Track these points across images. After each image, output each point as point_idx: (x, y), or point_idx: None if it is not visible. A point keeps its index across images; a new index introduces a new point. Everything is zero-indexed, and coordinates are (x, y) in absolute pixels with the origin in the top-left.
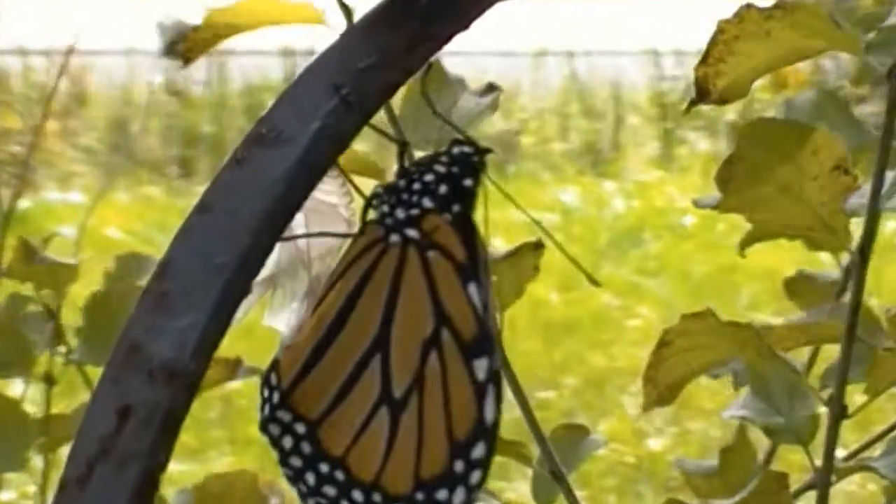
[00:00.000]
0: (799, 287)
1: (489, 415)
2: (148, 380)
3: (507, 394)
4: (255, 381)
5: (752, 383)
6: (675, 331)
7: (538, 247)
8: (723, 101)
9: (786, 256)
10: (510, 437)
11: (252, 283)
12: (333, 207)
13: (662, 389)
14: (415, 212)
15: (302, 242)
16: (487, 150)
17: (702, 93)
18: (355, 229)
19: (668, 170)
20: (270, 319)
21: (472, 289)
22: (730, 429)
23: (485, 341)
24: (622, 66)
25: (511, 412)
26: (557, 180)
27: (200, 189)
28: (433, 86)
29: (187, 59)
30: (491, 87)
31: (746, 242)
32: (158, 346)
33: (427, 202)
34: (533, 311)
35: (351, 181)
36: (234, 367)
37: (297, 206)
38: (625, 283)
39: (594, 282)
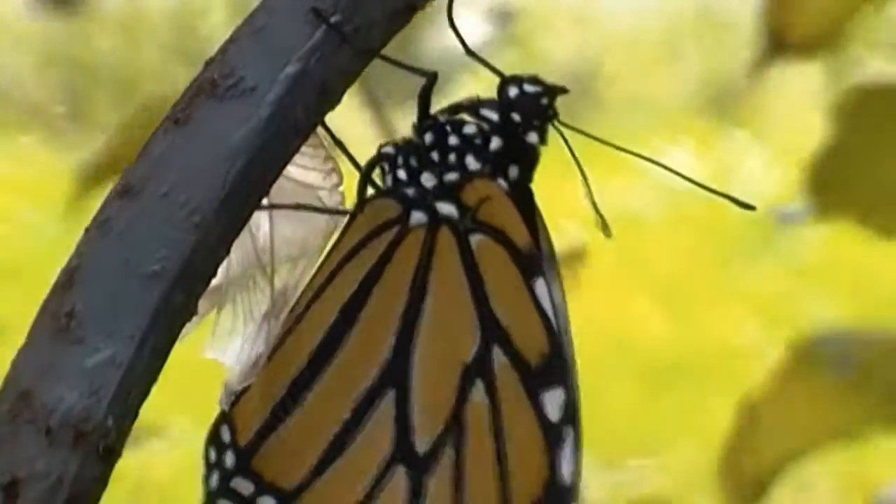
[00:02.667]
0: None
1: (566, 471)
2: (45, 442)
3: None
4: (186, 441)
5: None
6: (768, 393)
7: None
8: None
9: None
10: None
11: (198, 300)
12: (312, 191)
13: (746, 483)
14: (452, 177)
15: (263, 240)
16: (560, 90)
17: None
18: (337, 221)
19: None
20: (213, 350)
21: (541, 288)
22: None
23: (560, 365)
24: None
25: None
26: (660, 133)
27: (100, 137)
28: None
29: None
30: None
31: None
32: (59, 393)
33: (472, 162)
34: (622, 340)
35: (345, 150)
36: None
37: (263, 188)
38: (764, 292)
39: (605, 230)
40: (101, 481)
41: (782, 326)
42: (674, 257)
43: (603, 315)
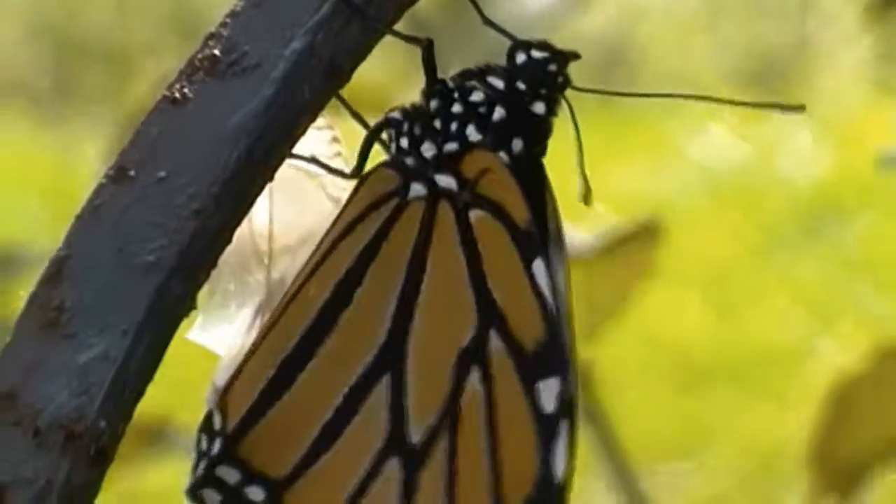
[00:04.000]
0: None
1: (558, 467)
2: (32, 445)
3: (608, 469)
4: (187, 443)
5: None
6: (860, 379)
7: (653, 229)
8: None
9: None
10: None
11: (198, 293)
12: (315, 177)
13: (836, 472)
14: (452, 147)
15: (260, 226)
16: (571, 55)
17: None
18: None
19: (890, 91)
20: (200, 334)
21: (540, 269)
22: None
23: (556, 352)
24: None
25: (611, 499)
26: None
27: (89, 113)
28: None
29: None
30: None
31: None
32: (48, 392)
33: (473, 133)
34: (656, 334)
35: (360, 118)
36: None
37: (267, 173)
38: (810, 284)
39: (588, 199)
40: (93, 487)
41: (827, 320)
42: (713, 245)
43: (635, 308)
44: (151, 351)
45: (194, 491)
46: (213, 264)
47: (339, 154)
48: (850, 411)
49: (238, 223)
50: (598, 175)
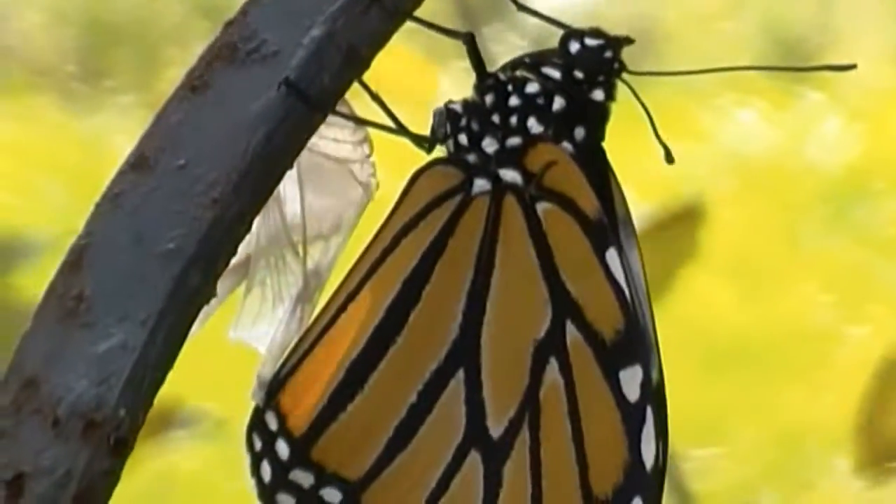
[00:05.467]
0: None
1: (649, 454)
2: (51, 434)
3: None
4: (215, 431)
5: None
6: None
7: (695, 214)
8: None
9: None
10: None
11: (217, 281)
12: (343, 164)
13: (884, 444)
14: (515, 141)
15: (293, 215)
16: (626, 41)
17: None
18: (371, 194)
19: None
20: (239, 332)
21: (613, 259)
22: None
23: (637, 341)
24: None
25: None
26: (726, 95)
27: (117, 100)
28: None
29: None
30: None
31: None
32: (68, 381)
33: (534, 125)
34: (686, 319)
35: (386, 108)
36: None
37: (287, 161)
38: (840, 267)
39: (669, 157)
40: (113, 475)
41: (857, 303)
42: (742, 230)
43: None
44: (170, 340)
45: (268, 496)
46: (233, 252)
47: (368, 157)
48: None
49: (257, 211)
50: (629, 162)
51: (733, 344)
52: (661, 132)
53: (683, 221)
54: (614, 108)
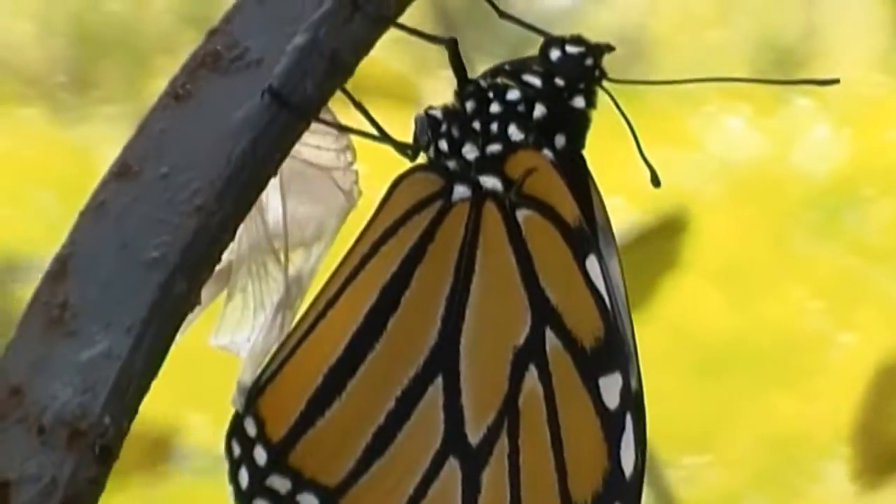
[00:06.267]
0: None
1: (628, 462)
2: (37, 442)
3: None
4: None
5: None
6: None
7: (678, 222)
8: None
9: None
10: None
11: (201, 288)
12: (326, 172)
13: (879, 452)
14: (495, 148)
15: (275, 223)
16: (606, 48)
17: None
18: (353, 202)
19: None
20: (220, 339)
21: (593, 266)
22: None
23: (617, 348)
24: None
25: None
26: (715, 101)
27: (106, 110)
28: None
29: None
30: None
31: None
32: (53, 389)
33: (515, 132)
34: (675, 326)
35: (368, 115)
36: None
37: (270, 168)
38: (830, 273)
39: (656, 181)
40: (98, 483)
41: (847, 310)
42: (730, 236)
43: (652, 300)
44: (155, 348)
45: (245, 502)
46: (217, 260)
47: (351, 164)
48: (891, 393)
49: (241, 219)
50: (617, 168)
51: (723, 351)
52: (649, 138)
53: (672, 228)
54: (602, 115)
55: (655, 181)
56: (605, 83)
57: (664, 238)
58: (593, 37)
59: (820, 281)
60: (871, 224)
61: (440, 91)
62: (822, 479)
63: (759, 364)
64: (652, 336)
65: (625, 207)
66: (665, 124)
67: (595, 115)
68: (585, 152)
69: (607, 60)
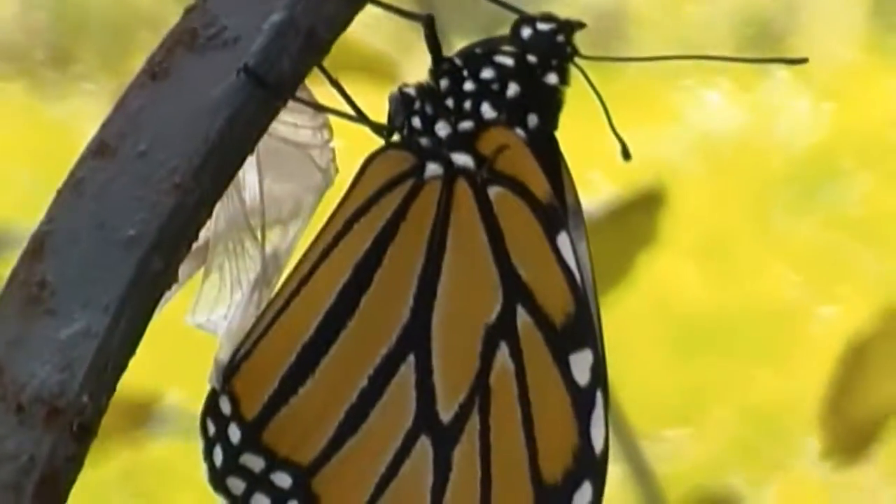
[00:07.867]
0: None
1: (598, 438)
2: (14, 420)
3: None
4: (181, 417)
5: None
6: (872, 337)
7: (656, 197)
8: None
9: None
10: None
11: (178, 266)
12: (303, 149)
13: (849, 429)
14: (467, 125)
15: (252, 200)
16: (577, 24)
17: None
18: (330, 180)
19: (886, 54)
20: (197, 317)
21: (564, 243)
22: None
23: (585, 325)
24: None
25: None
26: (694, 75)
27: (87, 86)
28: None
29: None
30: None
31: None
32: (31, 367)
33: (487, 110)
34: (654, 301)
35: (345, 93)
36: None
37: (247, 146)
38: (809, 247)
39: (626, 154)
40: (76, 461)
41: (827, 284)
42: (710, 210)
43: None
44: (133, 326)
45: (218, 480)
46: (195, 238)
47: (328, 142)
48: (861, 370)
49: (218, 197)
50: (594, 144)
51: (702, 325)
52: (629, 114)
53: (650, 204)
54: (579, 90)
55: (626, 154)
56: (580, 60)
57: (642, 213)
58: (573, 14)
59: (799, 254)
60: (849, 197)
61: (419, 69)
62: (801, 451)
63: (738, 338)
64: (630, 311)
65: (603, 182)
66: (644, 99)
67: (572, 91)
68: (562, 128)
69: (587, 36)
